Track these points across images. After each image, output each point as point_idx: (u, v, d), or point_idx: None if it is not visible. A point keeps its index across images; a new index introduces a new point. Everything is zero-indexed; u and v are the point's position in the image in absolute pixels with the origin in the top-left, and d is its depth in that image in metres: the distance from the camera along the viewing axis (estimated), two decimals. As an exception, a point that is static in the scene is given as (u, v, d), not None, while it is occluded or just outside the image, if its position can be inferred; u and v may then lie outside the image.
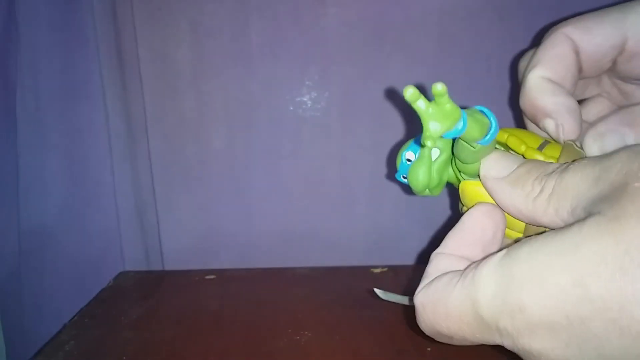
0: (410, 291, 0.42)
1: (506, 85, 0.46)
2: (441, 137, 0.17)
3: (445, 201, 0.49)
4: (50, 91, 0.46)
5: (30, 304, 0.48)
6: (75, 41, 0.46)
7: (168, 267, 0.51)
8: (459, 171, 0.22)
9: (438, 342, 0.19)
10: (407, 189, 0.26)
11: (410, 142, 0.25)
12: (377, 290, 0.24)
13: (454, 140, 0.22)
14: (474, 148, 0.19)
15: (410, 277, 0.45)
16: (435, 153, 0.23)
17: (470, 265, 0.17)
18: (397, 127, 0.48)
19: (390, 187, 0.50)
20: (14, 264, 0.47)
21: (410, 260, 0.49)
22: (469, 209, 0.21)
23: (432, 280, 0.19)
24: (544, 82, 0.21)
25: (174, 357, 0.34)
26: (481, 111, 0.19)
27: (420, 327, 0.19)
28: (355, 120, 0.48)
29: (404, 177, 0.25)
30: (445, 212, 0.49)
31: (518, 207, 0.18)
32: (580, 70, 0.23)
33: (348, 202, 0.50)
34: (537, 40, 0.24)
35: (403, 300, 0.24)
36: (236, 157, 0.49)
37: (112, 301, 0.42)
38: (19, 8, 0.44)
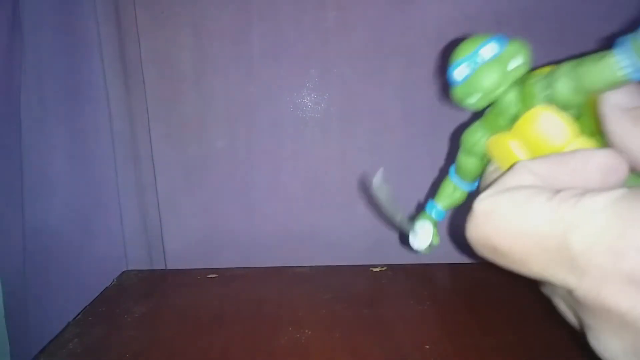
0: (410, 291, 0.41)
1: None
2: None
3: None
4: (54, 93, 0.47)
5: (35, 303, 0.49)
6: (79, 44, 0.47)
7: (170, 266, 0.52)
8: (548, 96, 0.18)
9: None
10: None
11: (494, 37, 0.20)
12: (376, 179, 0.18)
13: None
14: (628, 70, 0.16)
15: (408, 275, 0.46)
16: (516, 61, 0.19)
17: (568, 188, 0.15)
18: (395, 128, 0.48)
19: (390, 187, 0.50)
20: (19, 263, 0.48)
21: (409, 259, 0.49)
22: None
23: (509, 188, 0.16)
24: (622, 111, 0.19)
25: (176, 355, 0.34)
26: None
27: (470, 234, 0.17)
28: (354, 121, 0.48)
29: (459, 74, 0.19)
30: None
31: (628, 144, 0.17)
32: None
33: (348, 202, 0.50)
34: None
35: (394, 213, 0.19)
36: (238, 157, 0.49)
37: (115, 300, 0.43)
38: (23, 12, 0.44)
